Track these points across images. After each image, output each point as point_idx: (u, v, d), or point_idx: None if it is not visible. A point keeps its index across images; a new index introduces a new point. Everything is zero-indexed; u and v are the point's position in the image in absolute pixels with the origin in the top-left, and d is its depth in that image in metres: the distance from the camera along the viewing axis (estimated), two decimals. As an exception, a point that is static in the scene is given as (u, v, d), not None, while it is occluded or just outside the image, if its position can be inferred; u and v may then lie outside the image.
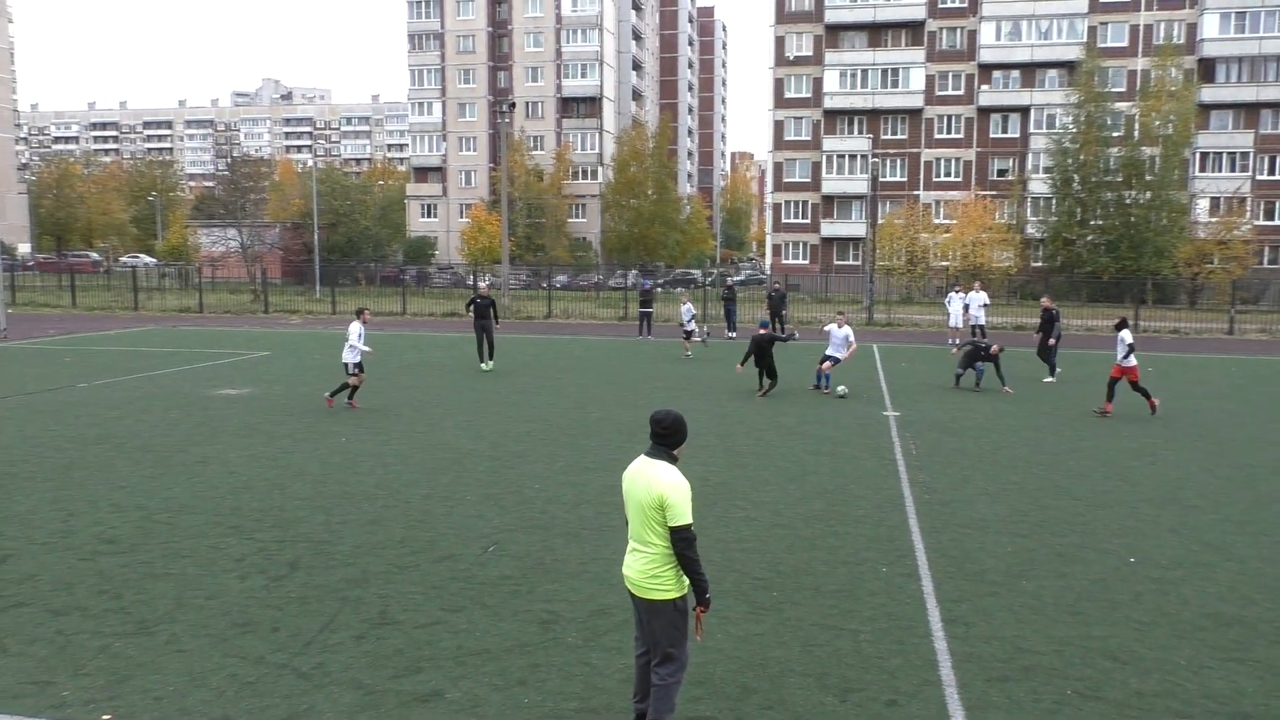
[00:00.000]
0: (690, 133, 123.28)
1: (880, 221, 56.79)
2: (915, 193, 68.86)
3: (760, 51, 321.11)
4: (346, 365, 17.15)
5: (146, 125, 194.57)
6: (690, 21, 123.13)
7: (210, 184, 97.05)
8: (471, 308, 23.11)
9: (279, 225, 72.43)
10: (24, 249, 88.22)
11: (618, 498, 11.17)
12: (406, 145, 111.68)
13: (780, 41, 72.35)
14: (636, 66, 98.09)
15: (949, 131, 69.38)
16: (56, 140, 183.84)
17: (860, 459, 13.38)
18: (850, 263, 68.46)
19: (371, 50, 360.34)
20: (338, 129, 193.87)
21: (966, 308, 29.23)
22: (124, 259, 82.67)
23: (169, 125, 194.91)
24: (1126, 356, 16.84)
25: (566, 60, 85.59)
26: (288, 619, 7.51)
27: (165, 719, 5.92)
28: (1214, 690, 6.43)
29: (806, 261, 71.80)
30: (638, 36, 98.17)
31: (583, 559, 8.98)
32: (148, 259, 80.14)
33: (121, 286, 51.91)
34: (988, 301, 29.83)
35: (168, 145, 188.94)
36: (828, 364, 19.25)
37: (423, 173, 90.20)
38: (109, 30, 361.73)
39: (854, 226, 68.88)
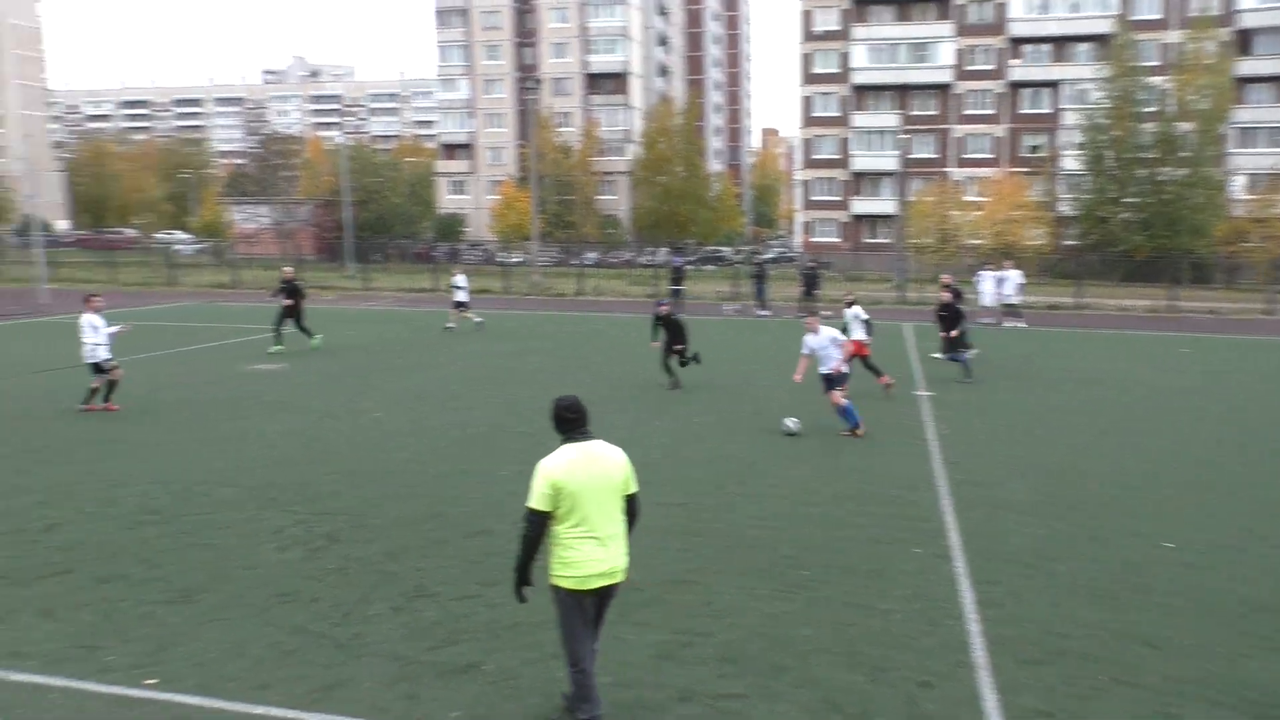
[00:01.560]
0: (718, 109, 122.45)
1: (910, 199, 56.27)
2: (946, 170, 68.13)
3: (787, 27, 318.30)
4: (96, 364, 14.59)
5: (177, 103, 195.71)
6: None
7: (242, 161, 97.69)
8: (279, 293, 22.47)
9: (310, 202, 72.85)
10: (63, 225, 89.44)
11: (648, 474, 11.24)
12: (435, 122, 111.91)
13: (807, 16, 71.61)
14: (663, 42, 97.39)
15: (979, 107, 68.48)
16: (90, 119, 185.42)
17: (892, 439, 13.35)
18: (881, 240, 67.92)
19: (399, 27, 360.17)
20: (366, 106, 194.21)
21: (1000, 285, 28.98)
22: (158, 235, 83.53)
23: (199, 103, 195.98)
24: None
25: (592, 36, 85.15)
26: (326, 590, 7.64)
27: (207, 685, 6.06)
28: (1252, 679, 6.37)
29: (837, 239, 71.34)
30: (663, 11, 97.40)
31: (614, 535, 9.04)
32: (183, 235, 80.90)
33: (158, 263, 52.48)
34: (1023, 280, 29.55)
35: (199, 123, 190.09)
36: (840, 392, 13.73)
37: (451, 149, 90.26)
38: (139, 8, 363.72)
39: (884, 204, 68.29)
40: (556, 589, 5.41)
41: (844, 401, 13.53)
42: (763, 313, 32.62)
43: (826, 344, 13.77)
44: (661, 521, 9.43)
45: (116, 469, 11.27)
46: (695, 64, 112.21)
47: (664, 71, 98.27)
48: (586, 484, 5.34)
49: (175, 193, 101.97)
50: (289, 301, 22.02)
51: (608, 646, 6.69)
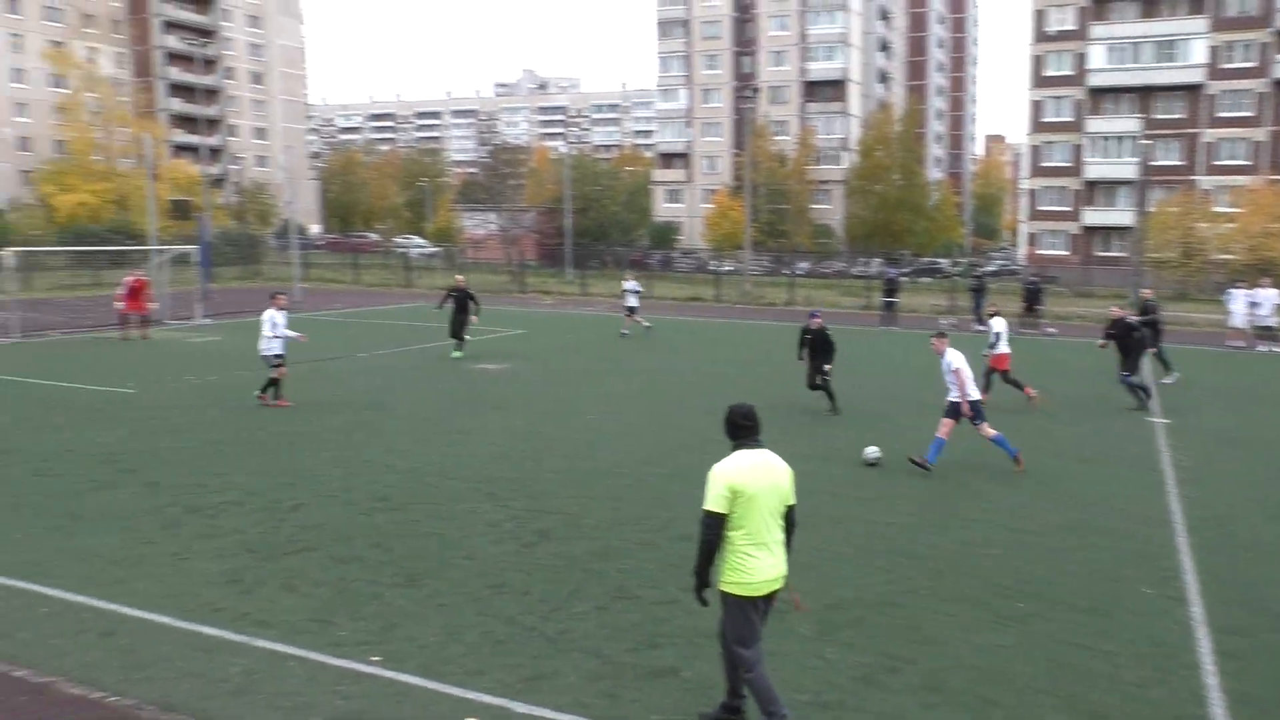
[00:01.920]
0: (939, 115, 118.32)
1: (1151, 209, 52.30)
2: (1193, 177, 62.81)
3: (1017, 28, 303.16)
4: (267, 358, 15.37)
5: (419, 115, 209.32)
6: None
7: (473, 170, 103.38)
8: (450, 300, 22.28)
9: (534, 210, 76.02)
10: (315, 229, 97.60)
11: (852, 489, 11.04)
12: (653, 131, 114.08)
13: (1040, 15, 67.92)
14: (883, 47, 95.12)
15: (1236, 109, 62.68)
16: (342, 131, 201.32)
17: (1121, 469, 12.47)
18: (1115, 254, 63.44)
19: (623, 39, 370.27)
20: (589, 116, 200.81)
21: (1253, 306, 26.47)
22: (397, 240, 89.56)
23: (438, 115, 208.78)
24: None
25: (811, 43, 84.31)
26: (537, 584, 7.96)
27: (427, 666, 6.45)
28: None
29: (1065, 252, 67.27)
30: (885, 16, 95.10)
31: (817, 547, 8.91)
32: (419, 240, 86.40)
33: (397, 265, 56.28)
34: (1280, 300, 26.86)
35: (436, 134, 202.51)
36: (946, 426, 11.98)
37: (668, 159, 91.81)
38: (387, 27, 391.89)
39: (1119, 215, 63.77)
40: (729, 596, 5.45)
41: (992, 433, 12.14)
42: (980, 328, 31.23)
43: (944, 369, 12.17)
44: (868, 541, 9.23)
45: (354, 457, 12.19)
46: (917, 69, 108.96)
47: (884, 78, 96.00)
48: (760, 491, 5.39)
49: (413, 200, 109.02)
50: (458, 307, 21.75)
51: (809, 664, 6.63)
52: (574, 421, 14.78)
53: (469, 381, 18.55)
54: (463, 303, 21.85)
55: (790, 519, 5.61)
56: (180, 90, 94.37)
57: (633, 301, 27.24)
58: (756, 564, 5.38)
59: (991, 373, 16.76)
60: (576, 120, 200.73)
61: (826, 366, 15.65)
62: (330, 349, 22.96)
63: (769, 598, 5.53)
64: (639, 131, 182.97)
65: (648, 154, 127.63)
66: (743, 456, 5.48)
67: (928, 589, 8.02)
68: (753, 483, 5.38)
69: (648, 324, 27.55)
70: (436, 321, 29.83)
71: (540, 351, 23.18)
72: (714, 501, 5.35)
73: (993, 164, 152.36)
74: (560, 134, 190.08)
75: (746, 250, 48.90)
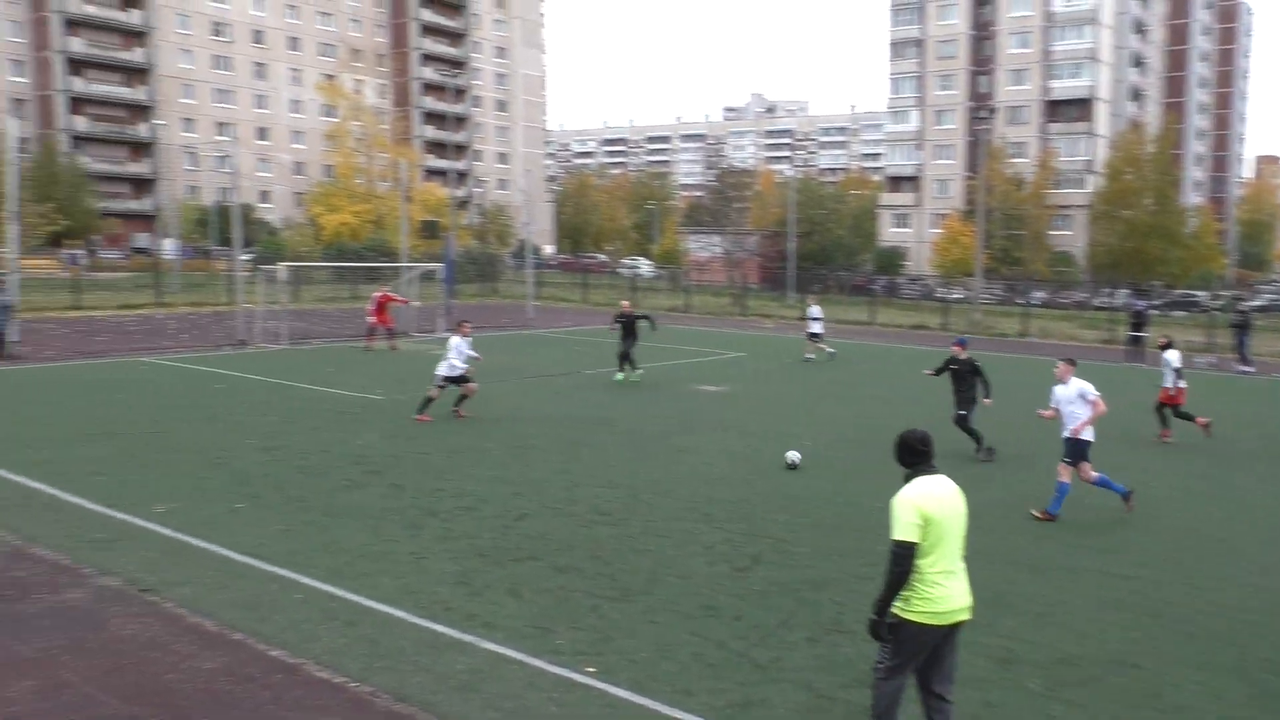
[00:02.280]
0: (1200, 135, 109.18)
1: None
2: None
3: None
4: (450, 378, 16.10)
5: (649, 140, 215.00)
6: (1208, 7, 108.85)
7: (700, 194, 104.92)
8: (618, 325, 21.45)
9: (758, 233, 76.22)
10: (548, 250, 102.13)
11: (1087, 537, 10.33)
12: (881, 155, 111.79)
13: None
14: (1137, 63, 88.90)
15: None
16: (577, 155, 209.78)
17: None
18: None
19: (852, 61, 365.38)
20: (815, 140, 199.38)
21: None
22: (625, 261, 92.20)
23: (667, 140, 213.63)
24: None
25: (1055, 60, 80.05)
26: (749, 610, 7.95)
27: (638, 682, 6.57)
28: None
29: (1351, 286, 60.20)
30: (1140, 29, 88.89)
31: (1048, 599, 8.42)
32: (645, 261, 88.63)
33: (623, 286, 57.93)
34: None
35: (666, 158, 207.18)
36: (1067, 470, 11.02)
37: (896, 182, 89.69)
38: (622, 56, 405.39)
39: None
40: (909, 623, 5.25)
41: (1094, 475, 11.08)
42: (1244, 368, 28.48)
43: (1074, 398, 11.08)
44: (1104, 592, 8.61)
45: (577, 470, 12.62)
46: (1175, 85, 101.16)
47: (1136, 95, 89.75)
48: (947, 516, 5.30)
49: (641, 222, 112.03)
50: (625, 332, 20.96)
51: (1034, 718, 6.25)
52: (790, 445, 14.65)
53: (687, 402, 18.80)
54: (630, 328, 21.12)
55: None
56: (433, 118, 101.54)
57: (816, 328, 26.89)
58: (945, 592, 5.25)
59: (1163, 407, 16.15)
60: (803, 143, 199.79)
61: (986, 400, 14.32)
62: (558, 365, 23.92)
63: (954, 628, 5.34)
64: (867, 154, 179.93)
65: (875, 177, 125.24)
66: (927, 482, 5.40)
67: (1172, 652, 7.38)
68: (941, 509, 5.30)
69: (831, 350, 27.07)
70: (659, 342, 30.41)
71: (759, 375, 23.16)
72: (905, 530, 5.23)
73: (1263, 187, 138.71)
74: (787, 157, 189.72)
75: (977, 277, 46.90)
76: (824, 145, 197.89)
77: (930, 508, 5.27)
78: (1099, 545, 10.08)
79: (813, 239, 73.57)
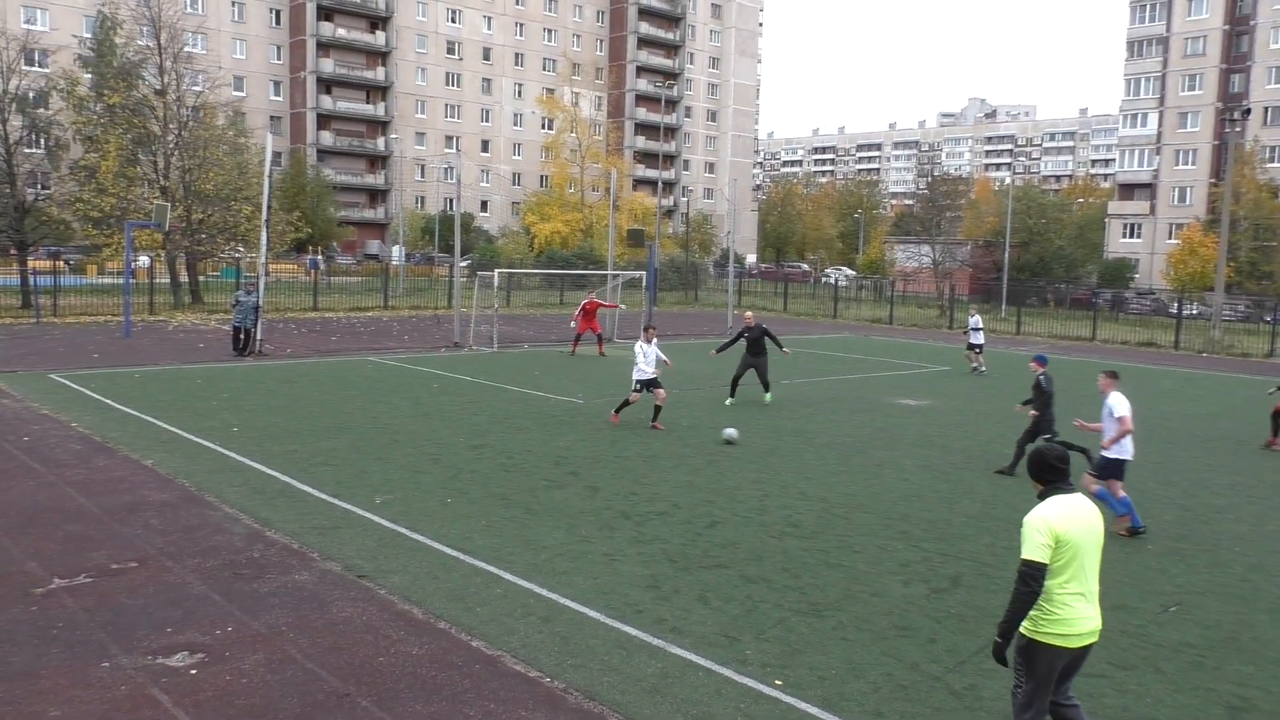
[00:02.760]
0: None
1: None
2: None
3: None
4: (642, 384, 16.17)
5: (859, 148, 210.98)
6: None
7: (910, 202, 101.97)
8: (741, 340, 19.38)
9: (971, 243, 73.22)
10: (751, 259, 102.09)
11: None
12: (1112, 160, 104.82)
13: None
14: None
15: None
16: (785, 164, 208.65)
17: None
18: None
19: (1084, 63, 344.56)
20: (1039, 145, 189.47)
21: None
22: (828, 270, 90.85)
23: (878, 147, 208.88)
24: None
25: (1325, 55, 72.47)
26: (945, 633, 7.65)
27: (827, 699, 6.46)
28: None
29: None
30: None
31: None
32: (848, 271, 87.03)
33: (824, 295, 57.15)
34: None
35: (876, 166, 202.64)
36: (1094, 480, 10.69)
37: (1129, 189, 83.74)
38: (837, 62, 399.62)
39: None
40: (1041, 646, 5.15)
41: (1096, 488, 10.53)
42: None
43: (1107, 414, 10.68)
44: (1358, 645, 7.72)
45: (771, 480, 12.54)
46: None
47: None
48: (1082, 537, 5.17)
49: (846, 231, 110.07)
50: (751, 349, 19.08)
51: None
52: (994, 464, 13.99)
53: (888, 415, 18.29)
54: (757, 344, 18.96)
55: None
56: (644, 129, 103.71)
57: (978, 339, 25.95)
58: (1076, 614, 5.14)
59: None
60: (1025, 149, 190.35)
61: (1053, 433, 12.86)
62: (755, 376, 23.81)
63: (1084, 651, 5.25)
64: (1096, 161, 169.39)
65: (1104, 185, 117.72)
66: (1061, 502, 5.26)
67: None
68: (1075, 529, 5.17)
69: (983, 368, 25.98)
70: (860, 354, 29.78)
71: (965, 390, 22.24)
72: (1036, 550, 5.09)
73: None
74: (1007, 164, 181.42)
75: (1219, 292, 43.10)
76: (1048, 151, 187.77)
77: (1064, 528, 5.14)
78: None
79: (1031, 249, 69.98)
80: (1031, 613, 5.14)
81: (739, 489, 12.05)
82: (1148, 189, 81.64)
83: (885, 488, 12.43)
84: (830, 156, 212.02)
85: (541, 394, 19.51)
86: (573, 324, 27.83)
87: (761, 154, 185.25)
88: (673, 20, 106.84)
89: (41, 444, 13.34)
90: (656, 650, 7.13)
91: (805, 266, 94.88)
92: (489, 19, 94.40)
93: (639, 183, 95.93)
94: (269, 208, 26.52)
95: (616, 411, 16.51)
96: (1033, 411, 13.23)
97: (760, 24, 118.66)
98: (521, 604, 7.96)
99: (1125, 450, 10.68)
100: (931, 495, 12.12)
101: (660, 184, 72.28)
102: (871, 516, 11.00)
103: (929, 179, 79.57)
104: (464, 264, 45.06)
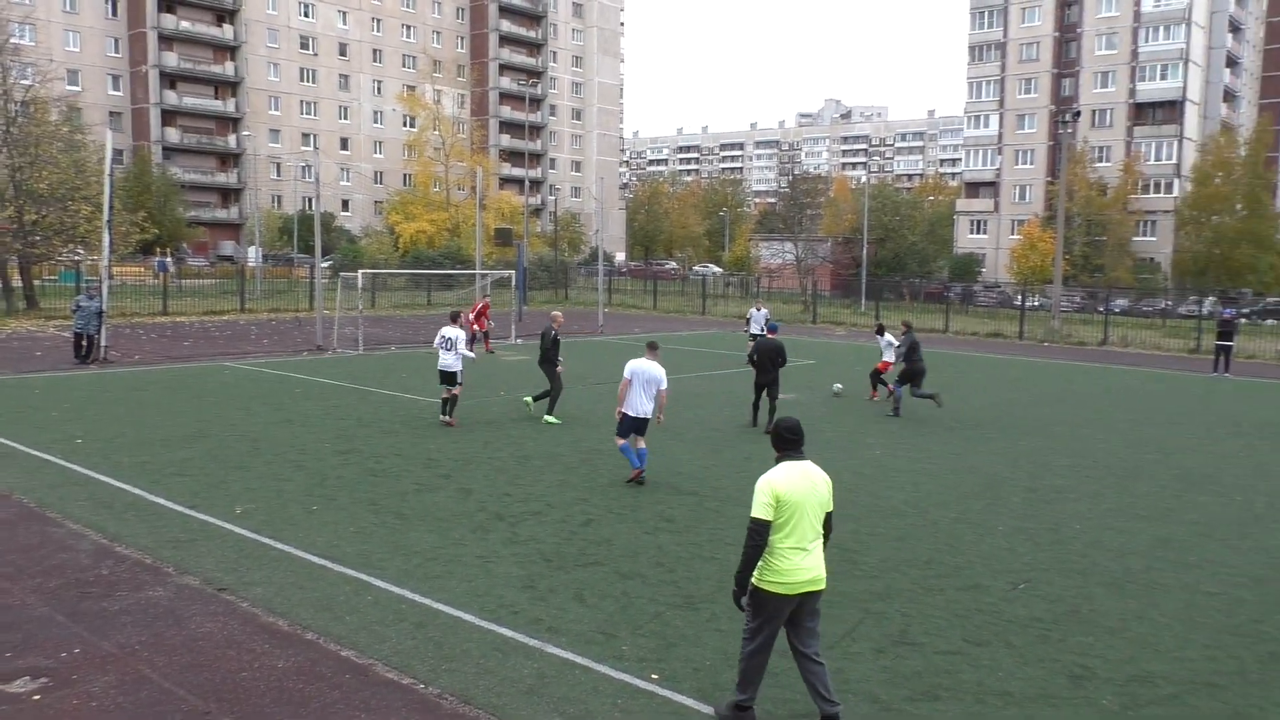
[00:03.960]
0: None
1: None
2: None
3: None
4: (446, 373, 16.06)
5: (722, 147, 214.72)
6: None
7: (772, 200, 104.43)
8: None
9: (831, 239, 75.53)
10: (620, 257, 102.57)
11: (1171, 551, 10.01)
12: (959, 160, 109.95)
13: None
14: (1231, 63, 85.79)
15: None
16: (650, 163, 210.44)
17: None
18: None
19: (930, 66, 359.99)
20: (892, 145, 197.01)
21: None
22: (695, 268, 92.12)
23: (741, 146, 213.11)
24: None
25: (1143, 62, 77.75)
26: (814, 620, 7.87)
27: (702, 690, 6.56)
28: None
29: None
30: (1236, 28, 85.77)
31: (1124, 614, 8.18)
32: (715, 269, 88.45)
33: (693, 293, 57.93)
34: None
35: (739, 165, 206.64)
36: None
37: (974, 188, 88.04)
38: (697, 63, 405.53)
39: None
40: (764, 593, 5.89)
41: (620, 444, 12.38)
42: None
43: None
44: (1188, 611, 8.33)
45: (646, 477, 12.57)
46: (1273, 85, 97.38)
47: (1229, 96, 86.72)
48: (803, 498, 5.88)
49: (712, 229, 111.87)
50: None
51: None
52: (859, 455, 14.50)
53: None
54: (548, 355, 17.25)
55: (827, 525, 6.09)
56: (509, 127, 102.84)
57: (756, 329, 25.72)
58: (792, 565, 5.85)
59: None
60: (879, 149, 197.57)
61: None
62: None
63: (806, 597, 5.94)
64: (944, 160, 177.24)
65: (952, 183, 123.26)
66: (788, 468, 5.99)
67: (1259, 675, 7.11)
68: (796, 491, 5.88)
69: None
70: (730, 349, 30.27)
71: (827, 383, 22.92)
72: (759, 509, 5.86)
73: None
74: (862, 163, 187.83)
75: (1056, 285, 45.78)
76: (900, 151, 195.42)
77: (785, 490, 5.86)
78: (1184, 561, 9.76)
79: (886, 245, 72.70)
80: (759, 564, 5.86)
81: (612, 487, 12.10)
82: (991, 187, 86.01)
83: (754, 479, 12.63)
84: (695, 155, 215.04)
85: (410, 396, 19.13)
86: (475, 329, 26.85)
87: (627, 153, 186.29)
88: (534, 19, 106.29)
89: None
90: (533, 650, 7.10)
91: (673, 264, 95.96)
92: (344, 14, 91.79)
93: (505, 181, 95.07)
94: (110, 208, 25.08)
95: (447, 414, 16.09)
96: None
97: (622, 23, 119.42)
98: (393, 610, 7.80)
99: (634, 409, 12.23)
100: (798, 485, 12.43)
101: (527, 182, 71.74)
102: (742, 509, 11.18)
103: (790, 178, 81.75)
104: (325, 265, 43.73)
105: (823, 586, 6.00)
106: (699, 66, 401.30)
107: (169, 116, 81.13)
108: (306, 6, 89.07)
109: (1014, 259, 73.20)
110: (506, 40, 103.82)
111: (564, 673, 6.76)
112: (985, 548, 10.00)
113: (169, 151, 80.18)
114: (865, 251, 60.47)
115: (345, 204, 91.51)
